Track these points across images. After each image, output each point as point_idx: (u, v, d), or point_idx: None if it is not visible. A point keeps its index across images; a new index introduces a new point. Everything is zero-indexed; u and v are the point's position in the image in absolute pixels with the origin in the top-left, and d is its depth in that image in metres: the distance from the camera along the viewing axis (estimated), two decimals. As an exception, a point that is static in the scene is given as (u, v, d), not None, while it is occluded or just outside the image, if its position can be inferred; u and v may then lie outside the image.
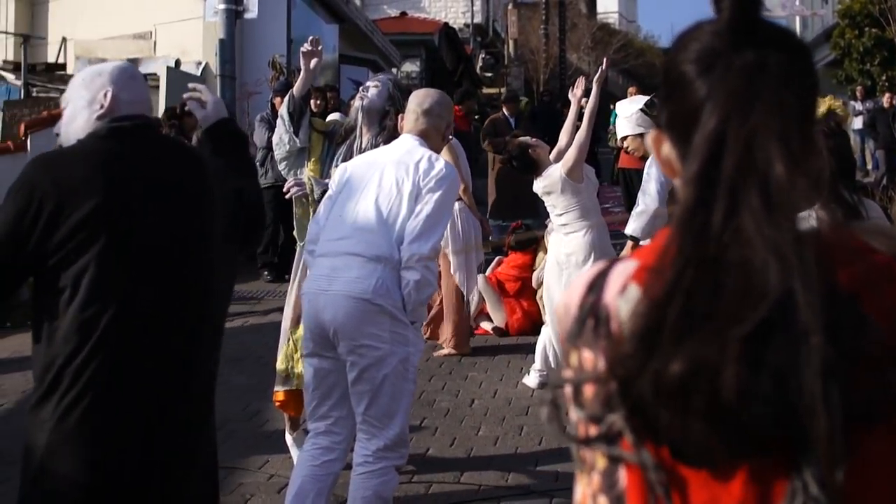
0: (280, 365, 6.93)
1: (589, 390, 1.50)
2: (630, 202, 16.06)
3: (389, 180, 5.41)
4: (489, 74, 40.61)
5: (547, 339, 9.04)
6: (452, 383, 9.32)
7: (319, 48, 6.91)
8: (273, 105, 14.17)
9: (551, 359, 8.96)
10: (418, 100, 5.82)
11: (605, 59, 10.30)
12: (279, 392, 6.97)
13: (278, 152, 6.91)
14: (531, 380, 9.06)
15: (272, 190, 13.75)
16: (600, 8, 67.27)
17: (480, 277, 11.39)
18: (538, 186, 8.99)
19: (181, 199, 3.66)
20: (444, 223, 5.49)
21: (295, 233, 6.91)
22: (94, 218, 3.42)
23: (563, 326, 1.65)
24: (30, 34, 19.15)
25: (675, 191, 1.62)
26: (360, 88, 6.93)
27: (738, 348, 1.35)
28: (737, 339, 1.35)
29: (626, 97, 17.36)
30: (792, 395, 1.35)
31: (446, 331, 10.45)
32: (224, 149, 4.26)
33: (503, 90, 36.13)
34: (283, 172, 7.03)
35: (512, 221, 14.40)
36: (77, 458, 3.47)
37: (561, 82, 35.34)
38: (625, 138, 8.42)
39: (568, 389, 1.54)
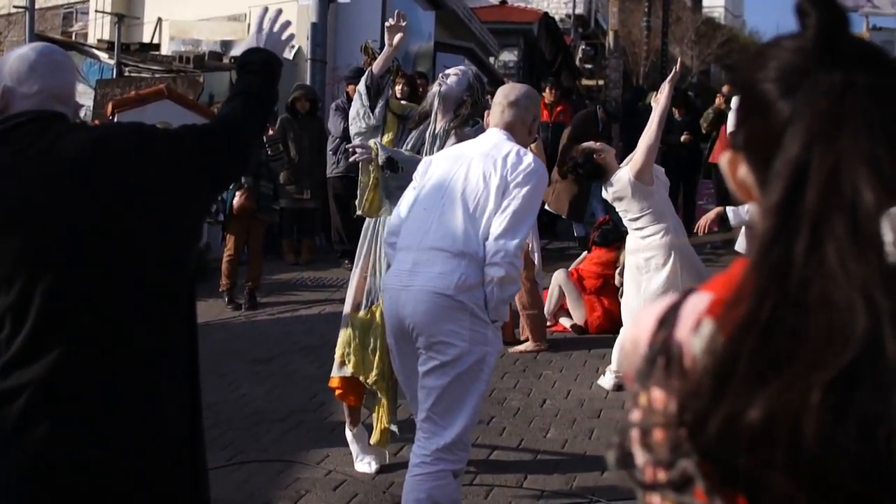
0: (337, 350, 6.80)
1: (659, 433, 1.37)
2: (721, 198, 15.80)
3: (476, 174, 5.32)
4: (588, 66, 40.35)
5: (624, 340, 8.78)
6: (525, 381, 9.11)
7: (404, 24, 6.82)
8: (347, 93, 14.16)
9: (629, 361, 8.73)
10: (504, 92, 5.74)
11: (678, 60, 10.07)
12: (334, 378, 6.85)
13: (353, 127, 6.81)
14: (606, 381, 8.84)
15: (344, 180, 13.85)
16: (706, 2, 66.47)
17: (561, 272, 11.27)
18: (608, 193, 8.79)
19: (70, 193, 3.36)
20: (531, 219, 5.38)
21: (357, 201, 6.70)
22: None
23: (631, 363, 1.51)
24: (125, 14, 19.23)
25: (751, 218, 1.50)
26: (441, 75, 6.83)
27: (819, 395, 1.22)
28: (819, 385, 1.22)
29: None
30: (880, 448, 1.21)
31: (522, 326, 10.29)
32: (240, 76, 4.04)
33: (601, 82, 35.93)
34: None
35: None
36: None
37: (661, 76, 34.91)
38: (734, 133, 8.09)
39: (635, 431, 1.41)
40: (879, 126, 1.32)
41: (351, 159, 6.61)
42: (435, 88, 6.66)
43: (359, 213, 6.64)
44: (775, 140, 1.36)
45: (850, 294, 1.24)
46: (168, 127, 3.92)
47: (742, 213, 7.77)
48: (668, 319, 1.47)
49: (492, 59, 28.93)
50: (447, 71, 6.87)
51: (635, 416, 1.42)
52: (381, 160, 6.29)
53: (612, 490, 6.52)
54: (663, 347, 1.43)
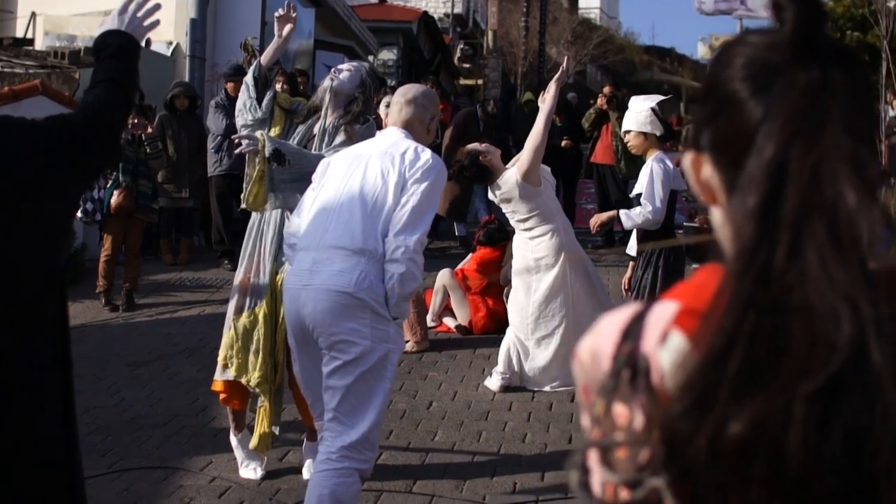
0: (220, 353, 6.66)
1: (621, 451, 1.32)
2: (602, 198, 15.91)
3: (374, 171, 5.31)
4: (467, 65, 40.44)
5: (511, 341, 8.79)
6: (411, 383, 9.00)
7: (294, 15, 6.71)
8: (227, 90, 14.01)
9: (515, 362, 8.73)
10: (402, 90, 5.80)
11: (566, 58, 10.10)
12: (217, 382, 6.70)
13: (240, 119, 6.66)
14: (493, 382, 8.77)
15: (227, 178, 13.88)
16: (582, 3, 67.30)
17: (446, 272, 11.17)
18: (494, 195, 8.76)
19: None
20: (430, 215, 5.36)
21: (243, 195, 6.47)
22: None
23: (590, 376, 1.46)
24: (-4, 7, 18.75)
25: (709, 217, 1.48)
26: (333, 70, 6.73)
27: (804, 407, 1.19)
28: (803, 396, 1.19)
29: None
30: (866, 461, 1.18)
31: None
32: (98, 62, 3.82)
33: (480, 81, 36.00)
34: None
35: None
36: None
37: (539, 76, 35.21)
38: (628, 132, 8.11)
39: (596, 449, 1.36)
40: (859, 125, 1.28)
41: (237, 150, 6.40)
42: (326, 83, 6.57)
43: (243, 206, 6.47)
44: (746, 140, 1.31)
45: (833, 301, 1.20)
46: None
47: (634, 216, 7.77)
48: (632, 330, 1.40)
49: (371, 58, 28.81)
50: (340, 66, 6.78)
51: (595, 432, 1.36)
52: (267, 152, 6.15)
53: (502, 493, 6.46)
54: (629, 360, 1.37)
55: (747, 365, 1.21)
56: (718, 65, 1.41)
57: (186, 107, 14.42)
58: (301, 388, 5.71)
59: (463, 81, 38.42)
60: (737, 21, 43.60)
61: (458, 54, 39.61)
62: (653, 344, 1.36)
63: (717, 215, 1.45)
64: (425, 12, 33.73)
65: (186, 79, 16.29)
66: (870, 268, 1.23)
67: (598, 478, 1.34)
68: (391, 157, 5.33)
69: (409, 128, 5.60)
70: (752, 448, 1.19)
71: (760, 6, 30.05)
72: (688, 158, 1.47)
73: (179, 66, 17.13)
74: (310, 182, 5.68)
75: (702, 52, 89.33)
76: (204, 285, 13.23)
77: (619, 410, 1.34)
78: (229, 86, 14.00)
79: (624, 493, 1.30)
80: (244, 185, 6.41)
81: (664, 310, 1.40)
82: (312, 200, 5.46)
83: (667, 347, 1.34)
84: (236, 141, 6.38)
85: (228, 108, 13.68)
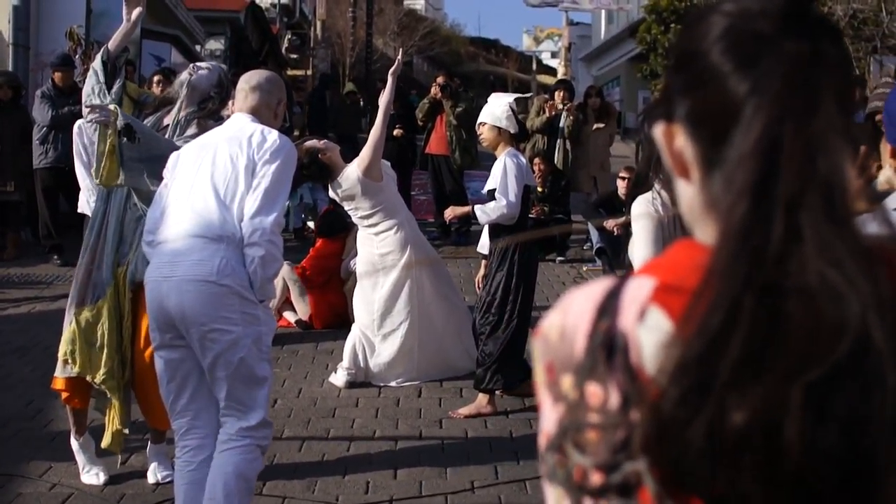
0: (60, 349, 6.43)
1: (593, 433, 1.25)
2: (437, 188, 15.93)
3: (223, 158, 5.28)
4: (295, 56, 40.20)
5: (357, 337, 8.70)
6: (254, 380, 8.80)
7: None
8: (53, 80, 13.69)
9: (360, 357, 8.62)
10: (246, 77, 5.75)
11: (399, 51, 10.08)
12: (58, 379, 6.48)
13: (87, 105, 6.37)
14: (338, 378, 8.66)
15: (53, 171, 13.56)
16: (407, -6, 67.39)
17: (286, 265, 10.94)
18: (336, 193, 8.66)
19: None
20: (284, 195, 5.35)
21: (93, 169, 6.29)
22: None
23: (555, 353, 1.36)
24: None
25: (674, 194, 1.42)
26: (192, 66, 6.64)
27: (800, 394, 1.13)
28: (803, 383, 1.13)
29: (430, 83, 17.18)
30: (864, 451, 1.14)
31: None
32: None
33: (309, 72, 35.79)
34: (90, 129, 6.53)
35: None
36: None
37: (366, 67, 35.17)
38: (482, 124, 8.03)
39: (551, 427, 1.30)
40: (847, 100, 1.25)
41: (88, 120, 6.19)
42: (184, 76, 6.45)
43: (95, 181, 6.26)
44: (729, 114, 1.26)
45: (834, 280, 1.15)
46: None
47: (489, 211, 7.72)
48: (608, 307, 1.32)
49: (198, 48, 28.40)
50: (199, 63, 6.70)
51: (563, 413, 1.29)
52: (119, 125, 5.96)
53: (355, 493, 6.34)
54: (606, 338, 1.28)
55: (747, 349, 1.15)
56: (692, 35, 1.34)
57: (10, 97, 14.04)
58: (161, 385, 5.49)
59: (291, 72, 38.15)
60: (562, 13, 44.24)
61: (285, 44, 39.34)
62: (631, 321, 1.29)
63: (686, 190, 1.38)
64: (253, 1, 33.39)
65: (10, 68, 15.82)
66: (865, 244, 1.19)
67: (569, 461, 1.27)
68: (238, 142, 5.29)
69: (256, 114, 5.54)
70: (748, 437, 1.14)
71: (586, -2, 30.40)
72: (659, 128, 1.40)
73: (2, 55, 16.60)
74: (158, 164, 5.62)
75: (527, 44, 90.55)
76: (33, 281, 12.82)
77: (593, 390, 1.27)
78: (56, 75, 13.72)
79: (596, 477, 1.23)
80: (95, 160, 6.24)
81: (640, 285, 1.32)
82: (166, 194, 5.38)
83: (646, 325, 1.27)
84: (88, 109, 6.17)
85: (55, 98, 13.37)
